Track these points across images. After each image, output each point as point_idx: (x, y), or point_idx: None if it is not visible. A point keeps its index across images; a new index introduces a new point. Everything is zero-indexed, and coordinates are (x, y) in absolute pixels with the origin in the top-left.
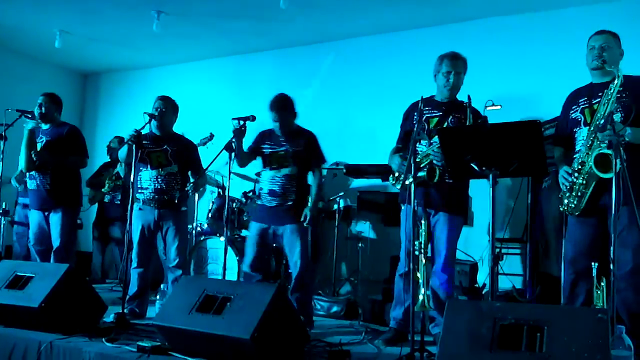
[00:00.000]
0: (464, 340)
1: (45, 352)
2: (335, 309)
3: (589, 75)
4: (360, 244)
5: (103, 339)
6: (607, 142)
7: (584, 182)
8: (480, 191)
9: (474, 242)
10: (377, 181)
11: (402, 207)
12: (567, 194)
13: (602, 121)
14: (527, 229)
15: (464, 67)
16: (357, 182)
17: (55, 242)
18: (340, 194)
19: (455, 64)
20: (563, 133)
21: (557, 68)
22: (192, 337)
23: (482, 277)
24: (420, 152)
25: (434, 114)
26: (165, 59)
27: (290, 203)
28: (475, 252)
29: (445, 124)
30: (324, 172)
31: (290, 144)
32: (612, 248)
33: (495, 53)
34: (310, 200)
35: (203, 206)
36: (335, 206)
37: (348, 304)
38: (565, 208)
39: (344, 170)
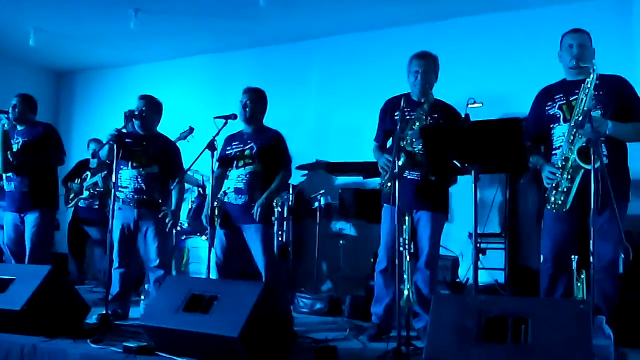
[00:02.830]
0: (450, 333)
1: (29, 355)
2: (318, 305)
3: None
4: (341, 241)
5: (88, 340)
6: (585, 139)
7: (569, 177)
8: (459, 187)
9: (454, 237)
10: (358, 179)
11: (385, 206)
12: (554, 192)
13: (581, 117)
14: (506, 224)
15: (434, 66)
16: (340, 180)
17: (30, 244)
18: (321, 192)
19: (422, 63)
20: (537, 130)
21: (536, 65)
22: (179, 337)
23: (464, 271)
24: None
25: (412, 115)
26: (143, 57)
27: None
28: (456, 247)
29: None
30: (305, 171)
31: (255, 142)
32: (591, 242)
33: (476, 51)
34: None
35: (184, 206)
36: (317, 204)
37: (331, 300)
38: (553, 205)
39: (325, 168)
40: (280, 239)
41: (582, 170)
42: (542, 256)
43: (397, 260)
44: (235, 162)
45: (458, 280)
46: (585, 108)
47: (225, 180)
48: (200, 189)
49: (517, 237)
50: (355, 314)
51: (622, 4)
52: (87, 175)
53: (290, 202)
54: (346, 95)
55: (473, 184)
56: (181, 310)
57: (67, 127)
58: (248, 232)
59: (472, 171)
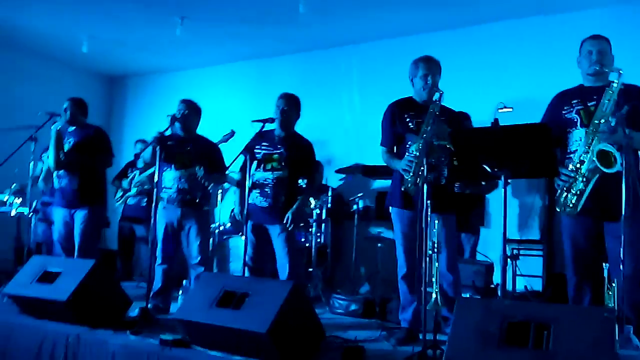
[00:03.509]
0: (472, 337)
1: (73, 343)
2: (353, 307)
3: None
4: (379, 244)
5: (127, 332)
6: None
7: (584, 179)
8: (496, 192)
9: (491, 243)
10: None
11: (391, 210)
12: (565, 194)
13: (613, 122)
14: (544, 230)
15: (439, 69)
16: (377, 184)
17: (79, 239)
18: (359, 195)
19: (430, 66)
20: (553, 133)
21: (565, 70)
22: (211, 331)
23: (498, 277)
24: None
25: (420, 119)
26: (189, 62)
27: (280, 205)
28: (493, 253)
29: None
30: (343, 175)
31: (286, 148)
32: (621, 250)
33: (506, 56)
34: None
35: (227, 206)
36: (355, 207)
37: (366, 302)
38: (563, 208)
39: (361, 171)
40: (318, 240)
41: (598, 174)
42: (565, 263)
43: (423, 263)
44: (263, 164)
45: (492, 286)
46: (607, 111)
47: (251, 179)
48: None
49: (554, 244)
50: (388, 316)
51: None
52: (135, 174)
53: (328, 205)
54: (384, 100)
55: (503, 189)
56: (214, 306)
57: (119, 130)
58: (273, 232)
59: (502, 176)
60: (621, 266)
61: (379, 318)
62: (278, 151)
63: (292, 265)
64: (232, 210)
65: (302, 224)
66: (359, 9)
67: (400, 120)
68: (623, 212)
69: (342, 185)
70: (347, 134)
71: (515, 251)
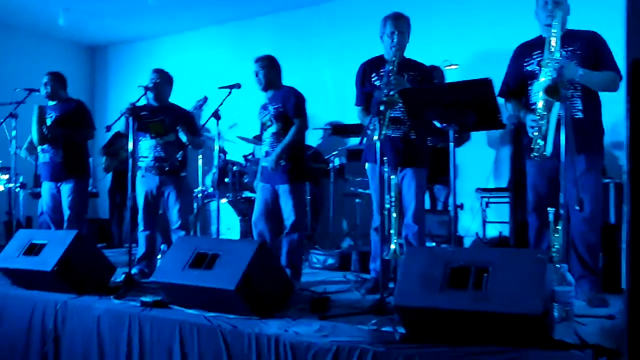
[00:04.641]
0: (418, 282)
1: (62, 310)
2: (330, 261)
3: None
4: (357, 200)
5: (111, 297)
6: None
7: (545, 120)
8: (467, 145)
9: (460, 192)
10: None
11: (367, 166)
12: (537, 139)
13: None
14: (512, 178)
15: (407, 27)
16: (354, 141)
17: (68, 211)
18: (334, 153)
19: (397, 23)
20: (515, 85)
21: (510, 26)
22: (186, 291)
23: (467, 225)
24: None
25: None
26: (166, 29)
27: (283, 163)
28: (466, 202)
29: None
30: (321, 132)
31: (273, 104)
32: (561, 194)
33: (450, 13)
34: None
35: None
36: (331, 165)
37: (342, 256)
38: (537, 154)
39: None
40: None
41: (557, 111)
42: (527, 209)
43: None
44: (262, 128)
45: (457, 234)
46: (553, 50)
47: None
48: (222, 154)
49: (521, 192)
50: (362, 268)
51: None
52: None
53: None
54: (362, 58)
55: (452, 143)
56: (187, 267)
57: (103, 99)
58: (280, 191)
59: (450, 130)
60: (561, 210)
61: (357, 270)
62: (267, 111)
63: (296, 221)
64: (214, 175)
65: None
66: None
67: (368, 79)
68: (562, 154)
69: (322, 144)
70: (322, 94)
71: (485, 199)
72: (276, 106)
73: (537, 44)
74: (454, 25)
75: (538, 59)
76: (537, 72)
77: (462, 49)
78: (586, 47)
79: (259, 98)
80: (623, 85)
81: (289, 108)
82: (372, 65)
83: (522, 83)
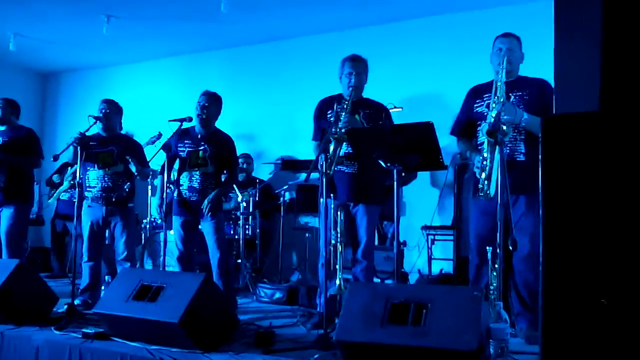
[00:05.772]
0: (360, 317)
1: None
2: (278, 295)
3: (487, 74)
4: (307, 234)
5: (52, 328)
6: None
7: (488, 161)
8: (413, 183)
9: (409, 230)
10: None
11: (321, 201)
12: (482, 180)
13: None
14: (456, 216)
15: (365, 68)
16: (304, 176)
17: (6, 237)
18: (284, 188)
19: (355, 65)
20: (466, 125)
21: (458, 68)
22: (129, 323)
23: (413, 261)
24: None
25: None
26: (120, 58)
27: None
28: (411, 240)
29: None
30: (272, 167)
31: (208, 144)
32: (498, 234)
33: (395, 57)
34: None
35: (154, 202)
36: (282, 199)
37: (290, 290)
38: (482, 194)
39: (281, 166)
40: (247, 232)
41: (497, 153)
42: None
43: (325, 252)
44: (187, 162)
45: (402, 270)
46: (499, 96)
47: (180, 178)
48: (171, 185)
49: (463, 230)
50: (309, 302)
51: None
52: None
53: (256, 198)
54: (310, 94)
55: (395, 182)
56: (131, 299)
57: (52, 126)
58: (203, 225)
59: (394, 170)
60: (498, 250)
61: (305, 305)
62: (201, 148)
63: (222, 254)
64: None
65: (219, 212)
66: (280, 7)
67: (324, 115)
68: (499, 196)
69: (272, 178)
70: (275, 128)
71: (431, 237)
72: (214, 148)
73: (488, 87)
74: (399, 68)
75: (488, 102)
76: (485, 113)
77: (406, 91)
78: (535, 94)
79: None
80: None
81: (228, 156)
82: (330, 103)
83: (472, 124)
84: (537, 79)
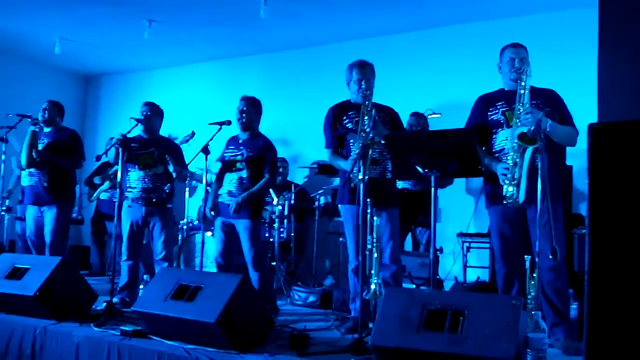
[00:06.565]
0: (396, 323)
1: (40, 335)
2: (311, 299)
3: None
4: (340, 239)
5: (92, 324)
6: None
7: (517, 167)
8: (447, 189)
9: (442, 237)
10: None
11: (341, 207)
12: (509, 187)
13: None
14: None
15: (372, 73)
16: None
17: (50, 236)
18: (319, 192)
19: (364, 71)
20: (479, 135)
21: (493, 75)
22: (167, 322)
23: (448, 268)
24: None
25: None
26: (160, 62)
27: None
28: (447, 246)
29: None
30: (307, 171)
31: (246, 149)
32: (537, 242)
33: (437, 62)
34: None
35: (195, 203)
36: (317, 203)
37: (323, 294)
38: (511, 201)
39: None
40: (282, 235)
41: (528, 159)
42: (495, 256)
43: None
44: (229, 166)
45: (437, 277)
46: (525, 104)
47: (223, 182)
48: (209, 187)
49: None
50: (343, 306)
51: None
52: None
53: (291, 201)
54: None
55: (433, 188)
56: (169, 299)
57: (93, 128)
58: (239, 227)
59: (432, 176)
60: (536, 258)
61: (338, 309)
62: (239, 152)
63: (257, 257)
64: (200, 208)
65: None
66: (317, 14)
67: (340, 122)
68: (539, 203)
69: (307, 183)
70: (311, 133)
71: (466, 244)
72: (250, 153)
73: (500, 96)
74: (435, 74)
75: (502, 110)
76: (502, 121)
77: (442, 97)
78: (547, 103)
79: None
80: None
81: (265, 161)
82: (342, 110)
83: (485, 131)
84: (546, 88)
